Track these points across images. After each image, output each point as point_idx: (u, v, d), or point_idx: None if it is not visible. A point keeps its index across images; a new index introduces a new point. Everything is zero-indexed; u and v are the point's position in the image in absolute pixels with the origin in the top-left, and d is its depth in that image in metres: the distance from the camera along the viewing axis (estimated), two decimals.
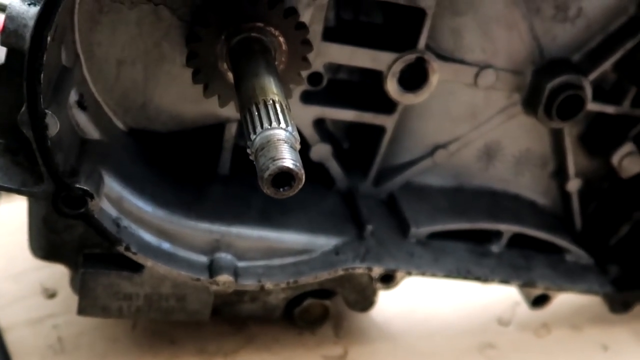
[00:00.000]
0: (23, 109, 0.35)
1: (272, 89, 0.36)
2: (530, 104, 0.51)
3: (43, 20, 0.33)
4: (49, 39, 0.33)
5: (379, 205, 0.54)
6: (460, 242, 0.54)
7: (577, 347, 0.55)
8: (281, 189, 0.32)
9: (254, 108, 0.34)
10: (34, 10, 0.33)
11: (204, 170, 0.50)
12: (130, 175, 0.44)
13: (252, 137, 0.33)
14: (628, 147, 0.53)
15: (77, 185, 0.39)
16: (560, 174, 0.57)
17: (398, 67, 0.48)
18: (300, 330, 0.53)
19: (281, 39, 0.42)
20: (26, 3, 0.34)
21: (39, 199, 0.39)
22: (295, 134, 0.33)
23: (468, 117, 0.53)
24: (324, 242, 0.49)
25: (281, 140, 0.32)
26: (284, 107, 0.34)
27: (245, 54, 0.40)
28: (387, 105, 0.50)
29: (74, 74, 0.41)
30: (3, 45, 0.34)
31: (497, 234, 0.54)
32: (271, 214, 0.49)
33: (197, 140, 0.49)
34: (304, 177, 0.32)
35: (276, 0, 0.41)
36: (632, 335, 0.57)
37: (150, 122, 0.47)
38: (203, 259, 0.46)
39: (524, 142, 0.55)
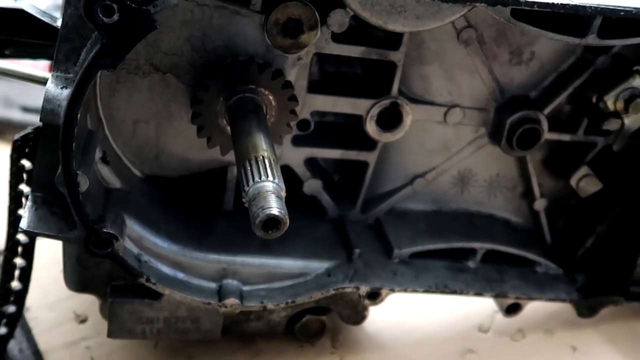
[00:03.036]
0: (59, 171, 0.43)
1: (262, 146, 0.43)
2: (494, 136, 0.58)
3: (74, 101, 0.40)
4: (78, 115, 0.41)
5: (367, 230, 0.61)
6: (439, 260, 0.60)
7: (549, 349, 0.62)
8: (270, 232, 0.39)
9: (247, 163, 0.41)
10: (66, 92, 0.41)
11: (211, 207, 0.57)
12: (147, 217, 0.52)
13: (246, 188, 0.40)
14: (584, 170, 0.59)
15: (105, 230, 0.46)
16: (528, 195, 0.63)
17: (375, 111, 0.55)
18: (301, 343, 0.60)
19: (271, 97, 0.49)
20: (59, 87, 0.41)
21: (73, 243, 0.46)
22: (281, 184, 0.40)
23: (441, 150, 0.60)
24: (318, 265, 0.56)
25: (269, 192, 0.39)
26: (272, 161, 0.42)
27: (240, 112, 0.48)
28: (369, 143, 0.57)
29: (97, 135, 0.49)
30: (42, 121, 0.42)
31: (472, 251, 0.61)
32: (270, 243, 0.56)
33: (203, 181, 0.57)
34: (288, 221, 0.39)
35: (265, 65, 0.49)
36: (599, 336, 0.63)
37: (163, 169, 0.55)
38: (213, 285, 0.53)
39: (493, 168, 0.62)
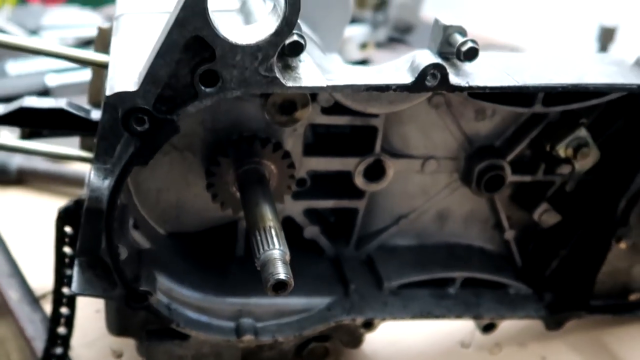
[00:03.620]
0: (103, 245, 0.52)
1: (268, 216, 0.52)
2: (465, 180, 0.67)
3: (115, 192, 0.49)
4: (118, 201, 0.50)
5: (360, 265, 0.70)
6: (424, 289, 0.69)
7: (520, 359, 0.72)
8: (279, 292, 0.48)
9: (257, 233, 0.51)
10: (107, 183, 0.50)
11: (224, 255, 0.67)
12: (173, 270, 0.61)
13: (258, 256, 0.49)
14: (544, 206, 0.68)
15: (141, 288, 0.56)
16: (498, 227, 0.73)
17: (362, 167, 0.64)
18: None
19: (272, 167, 0.59)
20: (101, 178, 0.51)
21: (115, 300, 0.56)
22: (285, 249, 0.50)
23: (421, 194, 0.69)
24: (319, 301, 0.65)
25: (276, 259, 0.48)
26: (277, 230, 0.51)
27: (248, 182, 0.57)
28: (358, 193, 0.67)
29: (129, 207, 0.58)
30: (88, 206, 0.51)
31: (452, 280, 0.70)
32: None
33: (217, 234, 0.66)
34: (293, 282, 0.48)
35: (266, 140, 0.58)
36: (566, 346, 0.73)
37: (183, 226, 0.64)
38: (231, 324, 0.63)
39: (467, 206, 0.71)
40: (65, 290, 0.64)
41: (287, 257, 0.49)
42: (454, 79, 0.52)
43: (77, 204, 0.59)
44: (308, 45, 0.49)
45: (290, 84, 0.48)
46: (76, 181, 0.98)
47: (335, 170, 0.64)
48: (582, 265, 0.72)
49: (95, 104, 0.66)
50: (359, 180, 0.64)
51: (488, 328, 0.70)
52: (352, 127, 0.64)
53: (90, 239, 0.54)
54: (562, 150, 0.64)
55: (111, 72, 0.49)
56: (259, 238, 0.50)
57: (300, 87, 0.48)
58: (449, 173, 0.68)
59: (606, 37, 1.15)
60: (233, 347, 0.63)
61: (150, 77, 0.45)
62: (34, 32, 1.45)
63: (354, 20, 1.55)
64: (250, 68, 0.47)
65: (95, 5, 1.65)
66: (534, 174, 0.68)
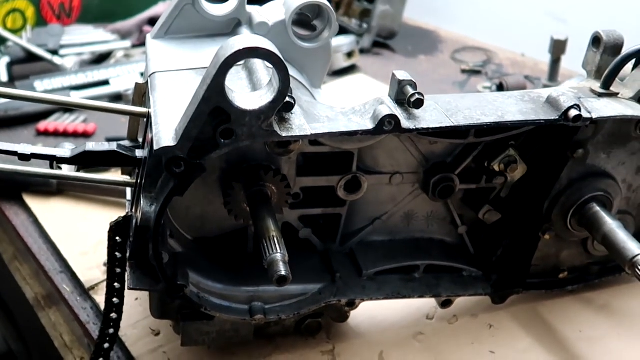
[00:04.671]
0: (150, 252, 0.71)
1: (271, 228, 0.71)
2: (424, 189, 0.85)
3: (160, 215, 0.68)
4: (162, 222, 0.69)
5: (344, 258, 0.89)
6: (395, 275, 0.88)
7: (473, 328, 0.90)
8: (281, 284, 0.67)
9: (264, 241, 0.69)
10: (153, 208, 0.69)
11: (238, 253, 0.85)
12: (200, 268, 0.80)
13: (265, 258, 0.68)
14: (486, 207, 0.87)
15: (178, 282, 0.74)
16: (453, 223, 0.91)
17: (342, 182, 0.82)
18: (306, 337, 0.88)
19: (273, 188, 0.77)
20: (149, 205, 0.69)
21: (159, 292, 0.75)
22: (285, 253, 0.68)
23: (390, 200, 0.87)
24: (312, 287, 0.84)
25: (279, 260, 0.67)
26: (278, 238, 0.69)
27: (255, 200, 0.76)
28: (340, 202, 0.85)
29: (166, 222, 0.77)
30: (140, 225, 0.70)
31: (417, 267, 0.89)
32: None
33: (232, 237, 0.85)
34: (291, 277, 0.67)
35: (268, 169, 0.76)
36: (509, 315, 0.91)
37: (205, 232, 0.83)
38: (245, 307, 0.81)
39: (428, 208, 0.89)
40: (116, 284, 0.82)
41: (286, 259, 0.68)
42: (405, 124, 0.70)
43: (125, 219, 0.78)
44: (296, 90, 0.67)
45: (284, 134, 0.67)
46: (106, 191, 1.17)
47: (322, 185, 0.83)
48: (520, 252, 0.90)
49: (132, 139, 0.84)
50: (341, 193, 0.83)
51: (445, 304, 0.89)
52: (333, 153, 0.82)
53: (140, 248, 0.73)
54: (496, 166, 0.82)
55: (155, 128, 0.67)
56: (265, 245, 0.69)
57: (291, 136, 0.67)
58: (412, 184, 0.86)
59: (557, 48, 1.32)
60: (247, 324, 0.82)
61: (185, 135, 0.64)
62: (54, 52, 1.62)
63: (341, 30, 1.73)
64: (256, 125, 0.65)
65: (104, 21, 1.81)
66: (478, 182, 0.86)
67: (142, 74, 0.87)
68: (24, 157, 0.71)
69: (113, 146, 0.74)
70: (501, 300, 0.92)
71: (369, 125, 0.70)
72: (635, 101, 0.81)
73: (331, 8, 0.86)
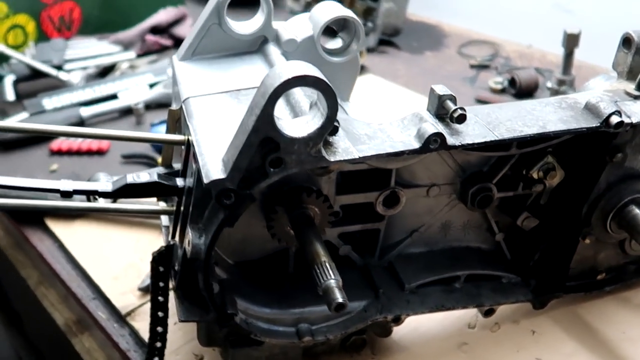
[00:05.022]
0: (201, 284, 0.70)
1: (321, 253, 0.70)
2: (462, 200, 0.85)
3: (210, 247, 0.67)
4: (212, 253, 0.68)
5: (384, 272, 0.89)
6: (436, 286, 0.88)
7: (516, 335, 0.90)
8: (339, 311, 0.66)
9: (316, 267, 0.69)
10: (202, 240, 0.68)
11: (278, 274, 0.85)
12: (245, 293, 0.79)
13: (320, 285, 0.67)
14: (525, 214, 0.87)
15: (228, 311, 0.74)
16: (490, 230, 0.91)
17: (381, 198, 0.82)
18: (351, 354, 0.88)
19: (316, 209, 0.77)
20: (198, 236, 0.68)
21: (210, 323, 0.74)
22: (338, 278, 0.67)
23: (427, 212, 0.87)
24: (357, 305, 0.83)
25: (334, 287, 0.66)
26: (330, 263, 0.69)
27: (299, 223, 0.75)
28: (379, 217, 0.85)
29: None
30: (190, 257, 0.69)
31: (458, 277, 0.89)
32: None
33: (272, 259, 0.84)
34: (347, 302, 0.66)
35: (310, 190, 0.76)
36: (550, 319, 0.91)
37: (247, 256, 0.82)
38: (292, 329, 0.81)
39: (465, 217, 0.89)
40: (159, 313, 0.82)
41: (340, 284, 0.67)
42: (450, 140, 0.69)
43: (168, 249, 0.77)
44: None
45: (332, 158, 0.66)
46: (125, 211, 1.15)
47: (361, 202, 0.82)
48: (558, 256, 0.90)
49: (166, 166, 0.82)
50: (380, 208, 0.82)
51: (488, 313, 0.89)
52: (371, 170, 0.82)
53: (188, 279, 0.72)
54: (535, 174, 0.82)
55: (201, 160, 0.66)
56: (318, 271, 0.68)
57: (339, 160, 0.66)
58: (449, 195, 0.86)
59: (571, 42, 1.32)
60: (296, 347, 0.82)
61: (235, 167, 0.63)
62: (59, 67, 1.60)
63: None
64: (304, 152, 0.64)
65: (104, 32, 1.79)
66: (515, 190, 0.86)
67: (171, 98, 0.86)
68: (66, 194, 0.70)
69: (154, 177, 0.73)
70: (542, 305, 0.91)
71: (415, 144, 0.69)
72: None
73: (358, 20, 0.84)
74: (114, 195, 0.72)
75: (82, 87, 1.53)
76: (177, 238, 0.77)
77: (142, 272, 1.03)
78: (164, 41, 1.79)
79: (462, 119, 0.70)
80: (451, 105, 0.71)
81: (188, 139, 0.73)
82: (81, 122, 1.46)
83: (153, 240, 1.10)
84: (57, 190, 0.70)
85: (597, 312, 0.93)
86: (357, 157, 0.67)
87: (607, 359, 0.86)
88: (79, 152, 1.37)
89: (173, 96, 0.87)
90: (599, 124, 0.74)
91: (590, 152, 0.81)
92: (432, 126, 0.69)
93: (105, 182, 0.72)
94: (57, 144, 1.38)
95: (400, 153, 0.69)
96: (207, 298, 0.71)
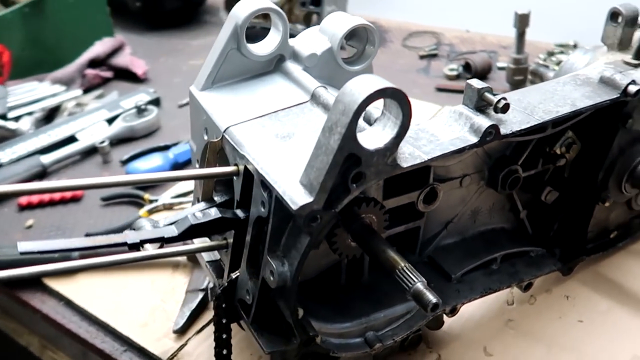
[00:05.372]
0: (288, 311, 0.69)
1: (397, 258, 0.71)
2: (491, 185, 0.89)
3: (297, 271, 0.66)
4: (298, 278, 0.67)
5: (426, 266, 0.91)
6: (477, 272, 0.91)
7: (553, 302, 0.95)
8: (436, 311, 0.67)
9: (398, 274, 0.69)
10: (286, 267, 0.67)
11: (332, 287, 0.85)
12: (313, 312, 0.79)
13: (409, 289, 0.68)
14: (548, 189, 0.92)
15: (310, 334, 0.73)
16: (513, 209, 0.96)
17: (422, 196, 0.84)
18: (409, 352, 0.90)
19: (373, 217, 0.77)
20: (280, 264, 0.67)
21: (294, 349, 0.73)
22: (423, 279, 0.69)
23: (460, 202, 0.90)
24: (413, 303, 0.86)
25: (423, 290, 0.67)
26: (410, 267, 0.70)
27: (362, 234, 0.75)
28: (419, 214, 0.87)
29: None
30: (274, 285, 0.67)
31: (494, 259, 0.93)
32: (381, 300, 0.85)
33: (327, 272, 0.84)
34: (441, 300, 0.68)
35: (361, 200, 0.76)
36: (577, 282, 0.97)
37: (307, 275, 0.81)
38: (361, 340, 0.81)
39: (490, 201, 0.93)
40: (224, 351, 0.79)
41: (426, 284, 0.69)
42: (502, 130, 0.73)
43: (231, 284, 0.75)
44: None
45: (404, 164, 0.67)
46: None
47: (405, 203, 0.84)
48: (577, 222, 0.96)
49: (208, 200, 0.80)
50: (421, 206, 0.84)
51: (527, 287, 0.93)
52: (413, 170, 0.83)
53: (266, 309, 0.71)
54: (558, 150, 0.87)
55: (277, 187, 0.65)
56: (402, 276, 0.69)
57: (412, 165, 0.68)
58: (477, 182, 0.89)
59: (522, 22, 1.40)
60: (368, 355, 0.82)
61: (323, 188, 0.63)
62: (3, 116, 1.50)
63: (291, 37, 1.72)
64: (382, 163, 0.65)
65: (37, 72, 1.70)
66: (537, 167, 0.91)
67: (204, 130, 0.83)
68: (135, 247, 0.67)
69: (216, 213, 0.71)
70: (569, 270, 0.97)
71: (472, 138, 0.72)
72: None
73: (373, 26, 0.86)
74: (180, 238, 0.69)
75: (35, 133, 1.44)
76: (240, 271, 0.75)
77: (171, 314, 0.99)
78: (105, 73, 1.72)
79: (506, 108, 0.74)
80: (492, 97, 0.74)
81: (246, 168, 0.71)
82: (44, 171, 1.37)
83: (169, 279, 1.06)
84: (124, 244, 0.67)
85: (616, 267, 1.00)
86: (426, 159, 0.69)
87: (636, 309, 0.93)
88: (52, 203, 1.29)
89: (195, 128, 0.85)
90: (619, 95, 0.80)
91: (604, 121, 0.87)
92: (485, 119, 0.72)
93: (168, 228, 0.69)
94: (26, 197, 1.29)
95: (461, 149, 0.71)
96: (293, 324, 0.70)
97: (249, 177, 0.71)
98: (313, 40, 0.86)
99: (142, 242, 0.67)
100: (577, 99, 0.80)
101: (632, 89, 0.79)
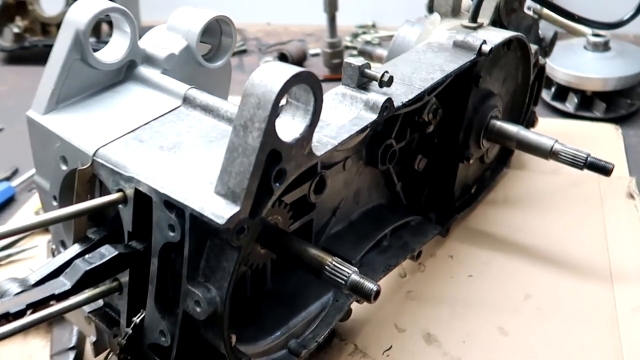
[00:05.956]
0: (219, 340, 0.60)
1: (322, 254, 0.66)
2: (370, 163, 0.86)
3: (227, 294, 0.58)
4: None
5: None
6: (372, 252, 0.89)
7: (441, 265, 0.98)
8: (377, 298, 0.64)
9: (328, 269, 0.64)
10: (215, 292, 0.58)
11: (239, 302, 0.77)
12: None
13: (345, 283, 0.63)
14: (419, 157, 0.93)
15: (242, 359, 0.65)
16: (388, 184, 0.96)
17: (312, 186, 0.80)
18: (325, 350, 0.86)
19: (279, 217, 0.72)
20: (206, 290, 0.58)
21: None
22: (355, 268, 0.65)
23: (344, 186, 0.87)
24: (326, 298, 0.81)
25: (360, 279, 0.62)
26: (339, 260, 0.66)
27: (275, 238, 0.69)
28: (311, 206, 0.82)
29: None
30: (202, 317, 0.58)
31: (385, 235, 0.92)
32: (293, 303, 0.79)
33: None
34: (380, 286, 0.65)
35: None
36: (455, 241, 1.02)
37: None
38: (285, 351, 0.75)
39: (368, 179, 0.92)
40: None
41: (358, 272, 0.65)
42: (395, 103, 0.72)
43: (136, 329, 0.64)
44: None
45: (318, 153, 0.63)
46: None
47: (297, 197, 0.79)
48: (444, 185, 1.00)
49: (81, 240, 0.67)
50: (312, 197, 0.80)
51: (418, 256, 0.95)
52: None
53: (189, 344, 0.62)
54: (425, 117, 0.89)
55: (188, 204, 0.56)
56: (334, 273, 0.64)
57: (325, 152, 0.63)
58: (357, 162, 0.88)
59: (332, 7, 1.42)
60: None
61: (247, 194, 0.55)
62: None
63: None
64: (300, 155, 0.60)
65: None
66: (405, 138, 0.92)
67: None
68: (20, 315, 0.53)
69: (111, 251, 0.60)
70: (447, 232, 1.01)
71: (372, 115, 0.70)
72: (492, 25, 0.95)
73: (229, 17, 0.79)
74: (74, 290, 0.57)
75: None
76: (147, 312, 0.64)
77: None
78: None
79: (391, 81, 0.73)
80: (374, 72, 0.73)
81: (137, 192, 0.61)
82: None
83: (21, 349, 0.88)
84: (6, 315, 0.52)
85: (481, 219, 1.06)
86: (336, 144, 0.65)
87: (512, 252, 0.99)
88: None
89: (43, 160, 0.71)
90: (475, 56, 0.84)
91: (459, 84, 0.91)
92: (377, 95, 0.71)
93: (55, 282, 0.56)
94: None
95: (365, 128, 0.68)
96: (227, 353, 0.62)
97: (143, 200, 0.61)
98: (164, 41, 0.77)
99: (30, 307, 0.53)
100: (442, 64, 0.82)
101: (486, 48, 0.84)
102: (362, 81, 0.73)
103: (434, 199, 1.00)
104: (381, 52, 1.20)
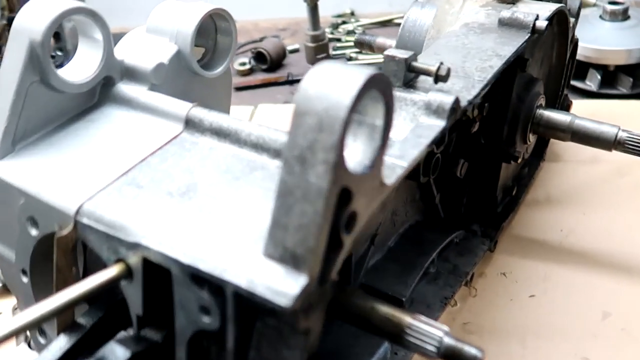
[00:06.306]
0: None
1: (398, 314, 0.50)
2: (410, 176, 0.72)
3: None
4: None
5: None
6: (421, 283, 0.75)
7: (494, 285, 0.82)
8: None
9: (409, 333, 0.48)
10: None
11: None
12: None
13: (437, 349, 0.47)
14: (462, 161, 0.77)
15: None
16: (424, 198, 0.80)
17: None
18: None
19: None
20: None
21: None
22: (444, 327, 0.49)
23: (381, 210, 0.72)
24: (382, 351, 0.65)
25: (456, 342, 0.47)
26: (422, 318, 0.50)
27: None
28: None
29: None
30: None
31: (432, 261, 0.77)
32: None
33: None
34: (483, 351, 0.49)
35: None
36: (504, 255, 0.87)
37: None
38: None
39: (403, 195, 0.76)
40: None
41: (449, 332, 0.49)
42: (462, 102, 0.56)
43: None
44: None
45: (389, 182, 0.47)
46: None
47: None
48: (484, 191, 0.85)
49: (71, 328, 0.49)
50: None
51: (470, 280, 0.80)
52: None
53: None
54: (470, 114, 0.73)
55: (236, 278, 0.39)
56: (418, 337, 0.48)
57: (397, 179, 0.47)
58: None
59: None
60: None
61: (315, 254, 0.39)
62: None
63: None
64: (370, 187, 0.43)
65: None
66: (444, 141, 0.77)
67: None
68: None
69: (123, 353, 0.42)
70: (495, 244, 0.86)
71: (439, 122, 0.53)
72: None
73: (225, 9, 0.62)
74: None
75: None
76: None
77: None
78: None
79: (449, 73, 0.57)
80: (424, 65, 0.57)
81: (146, 262, 0.43)
82: None
83: None
84: None
85: (528, 224, 0.91)
86: (406, 166, 0.49)
87: (572, 262, 0.85)
88: None
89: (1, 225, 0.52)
90: (530, 33, 0.69)
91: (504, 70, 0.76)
92: (438, 94, 0.54)
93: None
94: None
95: (436, 138, 0.52)
96: None
97: (156, 274, 0.43)
98: (147, 47, 0.59)
99: None
100: (494, 48, 0.66)
101: (541, 24, 0.69)
102: (409, 77, 0.57)
103: (475, 207, 0.85)
104: (383, 41, 1.04)
